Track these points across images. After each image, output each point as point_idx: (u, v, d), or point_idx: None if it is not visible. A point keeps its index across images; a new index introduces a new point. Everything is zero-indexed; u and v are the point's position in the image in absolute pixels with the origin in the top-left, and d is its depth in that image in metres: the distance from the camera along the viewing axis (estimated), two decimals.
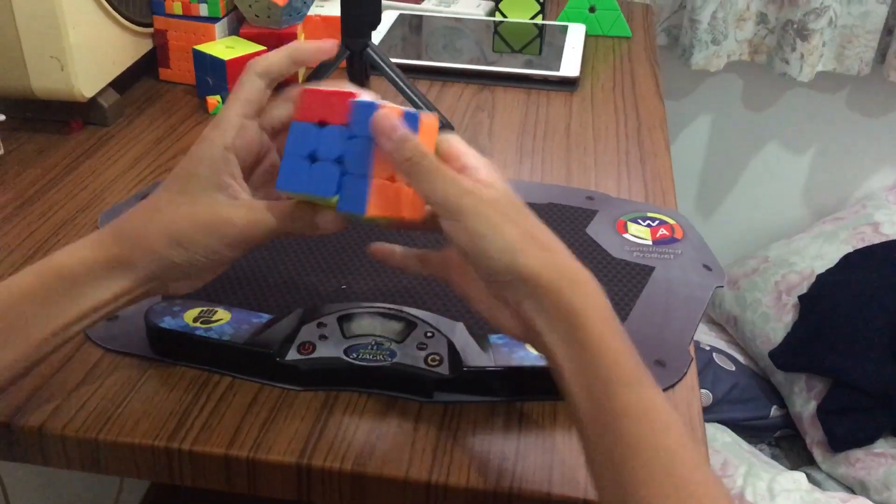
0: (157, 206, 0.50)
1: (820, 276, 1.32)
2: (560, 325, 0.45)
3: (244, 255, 0.51)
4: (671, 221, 0.74)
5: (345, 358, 0.55)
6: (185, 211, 0.49)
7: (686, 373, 0.58)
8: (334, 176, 0.48)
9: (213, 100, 0.90)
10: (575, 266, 0.47)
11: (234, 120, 0.51)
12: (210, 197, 0.49)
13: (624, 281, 0.66)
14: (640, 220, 0.74)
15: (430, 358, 0.55)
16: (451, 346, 0.55)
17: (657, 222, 0.74)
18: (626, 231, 0.73)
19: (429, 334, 0.56)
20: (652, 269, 0.68)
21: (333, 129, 0.49)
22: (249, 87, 0.52)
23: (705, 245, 0.72)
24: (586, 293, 0.46)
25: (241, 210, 0.49)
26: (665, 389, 0.56)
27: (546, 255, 0.47)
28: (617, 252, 0.70)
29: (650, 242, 0.71)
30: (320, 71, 0.88)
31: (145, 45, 0.95)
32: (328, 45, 0.53)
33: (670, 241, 0.72)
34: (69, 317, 0.48)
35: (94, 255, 0.49)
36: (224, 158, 0.50)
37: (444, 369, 0.54)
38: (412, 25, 1.14)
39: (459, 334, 0.56)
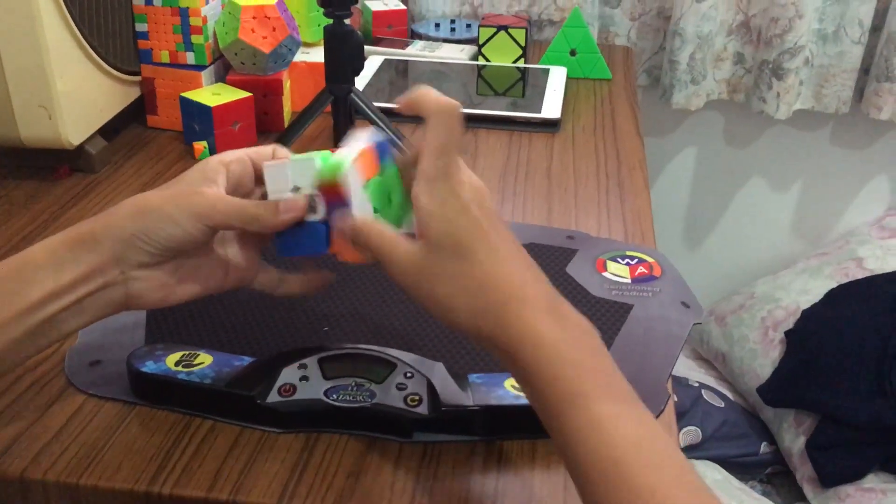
0: (138, 196, 0.52)
1: (805, 312, 1.33)
2: (503, 361, 0.47)
3: (206, 237, 0.51)
4: (650, 259, 0.75)
5: (325, 399, 0.55)
6: (159, 192, 0.52)
7: (664, 410, 0.58)
8: (322, 234, 0.52)
9: (200, 145, 0.92)
10: (504, 297, 0.47)
11: (237, 152, 0.55)
12: (185, 185, 0.52)
13: (603, 319, 0.67)
14: (619, 259, 0.75)
15: (409, 398, 0.56)
16: (431, 386, 0.56)
17: (636, 260, 0.75)
18: (606, 270, 0.74)
19: (408, 374, 0.57)
20: (630, 306, 0.69)
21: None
22: (261, 148, 0.57)
23: (683, 282, 0.73)
24: (516, 327, 0.46)
25: (213, 189, 0.52)
26: None
27: (473, 302, 0.47)
28: (596, 291, 0.71)
29: (629, 281, 0.72)
30: (305, 116, 0.90)
31: (133, 93, 0.97)
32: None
33: (649, 278, 0.73)
34: (26, 301, 0.48)
35: (54, 241, 0.50)
36: (215, 168, 0.53)
37: (423, 409, 0.55)
38: (398, 70, 1.16)
39: (438, 374, 0.57)
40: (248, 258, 0.56)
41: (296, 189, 0.53)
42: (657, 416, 0.58)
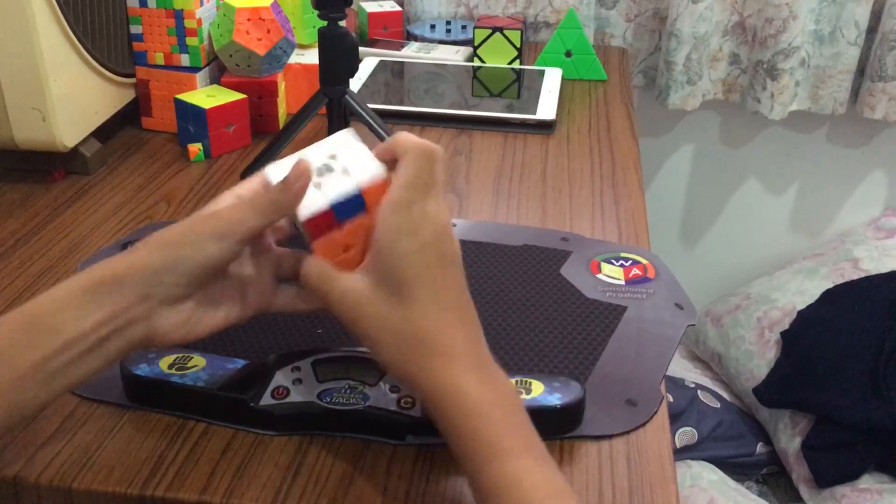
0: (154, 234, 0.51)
1: (801, 312, 1.33)
2: (426, 407, 0.49)
3: (233, 255, 0.50)
4: (644, 261, 0.75)
5: (318, 402, 0.55)
6: (173, 226, 0.50)
7: (657, 412, 0.58)
8: None
9: (195, 147, 0.92)
10: (431, 351, 0.48)
11: (250, 184, 0.53)
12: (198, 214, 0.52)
13: (596, 321, 0.67)
14: (613, 261, 0.75)
15: (402, 401, 0.56)
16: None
17: (630, 262, 0.75)
18: (600, 271, 0.74)
19: None
20: (624, 308, 0.69)
21: None
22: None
23: (677, 284, 0.73)
24: (440, 381, 0.47)
25: (222, 204, 0.52)
26: (636, 428, 0.57)
27: (401, 347, 0.48)
28: (590, 292, 0.71)
29: (623, 282, 0.72)
30: (300, 118, 0.90)
31: (128, 95, 0.97)
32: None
33: (643, 280, 0.73)
34: (47, 350, 0.46)
35: (73, 285, 0.47)
36: (226, 200, 0.52)
37: (416, 411, 0.55)
38: (394, 72, 1.16)
39: None
40: (265, 282, 0.55)
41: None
42: (650, 419, 0.58)
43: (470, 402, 0.46)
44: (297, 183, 0.51)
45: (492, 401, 0.47)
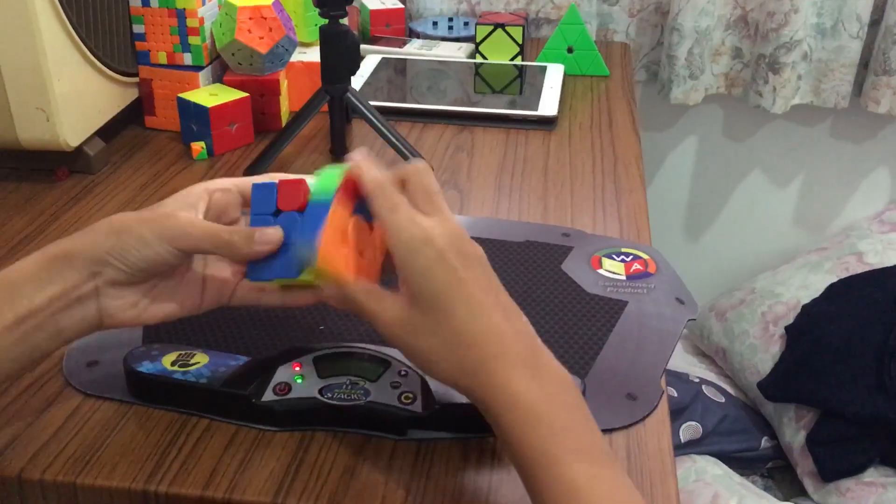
0: (115, 216, 0.53)
1: (805, 307, 1.33)
2: (486, 416, 0.48)
3: (178, 259, 0.52)
4: (645, 256, 0.76)
5: (320, 398, 0.56)
6: (136, 214, 0.52)
7: (657, 406, 0.59)
8: (294, 261, 0.52)
9: (198, 146, 0.92)
10: (482, 355, 0.47)
11: (223, 181, 0.55)
12: (166, 208, 0.53)
13: (597, 316, 0.68)
14: (614, 256, 0.76)
15: (403, 396, 0.56)
16: (425, 384, 0.56)
17: (631, 257, 0.75)
18: (601, 267, 0.74)
19: (402, 373, 0.57)
20: (625, 303, 0.69)
21: (288, 216, 0.53)
22: (244, 184, 0.57)
23: (678, 278, 0.73)
24: (492, 385, 0.46)
25: (187, 213, 0.53)
26: (635, 422, 0.57)
27: (452, 358, 0.47)
28: (591, 287, 0.71)
29: (624, 277, 0.73)
30: (302, 116, 0.90)
31: (131, 94, 0.97)
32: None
33: (644, 275, 0.73)
34: (7, 318, 0.49)
35: (34, 259, 0.51)
36: (199, 196, 0.54)
37: (417, 407, 0.55)
38: (396, 69, 1.16)
39: None
40: (226, 277, 0.57)
41: (277, 212, 0.53)
42: (650, 413, 0.58)
43: (522, 405, 0.45)
44: (263, 246, 0.52)
45: (544, 399, 0.46)
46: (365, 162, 0.52)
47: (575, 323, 0.67)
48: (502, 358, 0.47)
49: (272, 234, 0.52)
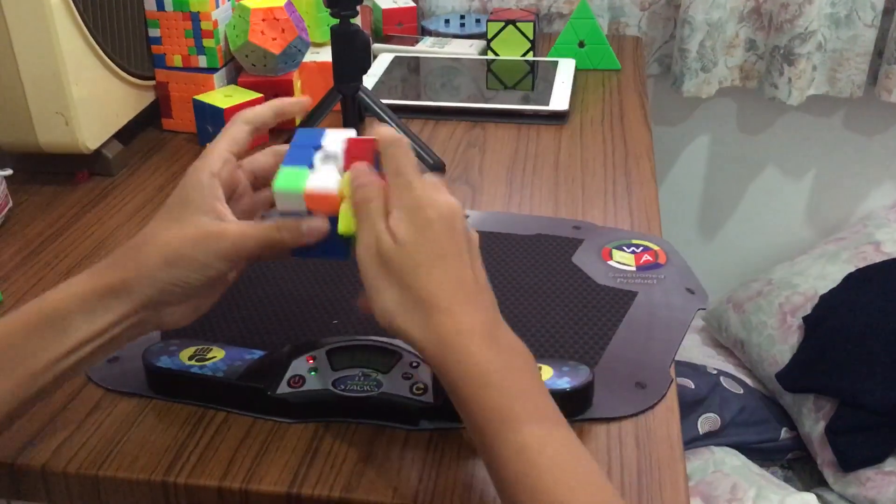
0: (151, 233, 0.53)
1: (823, 297, 1.33)
2: (443, 380, 0.49)
3: (237, 270, 0.53)
4: (655, 247, 0.76)
5: (333, 390, 0.57)
6: (177, 233, 0.52)
7: (665, 394, 0.59)
8: (341, 244, 0.54)
9: None
10: (454, 324, 0.48)
11: (220, 152, 0.55)
12: (199, 219, 0.53)
13: (608, 307, 0.68)
14: (624, 248, 0.76)
15: (415, 387, 0.57)
16: (435, 375, 0.57)
17: (641, 248, 0.76)
18: (611, 258, 0.75)
19: (414, 364, 0.58)
20: (635, 294, 0.70)
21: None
22: (235, 130, 0.57)
23: (689, 269, 0.74)
24: (458, 354, 0.47)
25: (231, 224, 0.53)
26: (645, 410, 0.58)
27: (420, 317, 0.48)
28: (601, 279, 0.72)
29: (634, 268, 0.73)
30: (315, 114, 0.91)
31: (148, 97, 0.99)
32: (305, 101, 0.60)
33: (654, 266, 0.74)
34: (60, 350, 0.49)
35: (84, 288, 0.51)
36: (211, 184, 0.54)
37: (428, 397, 0.56)
38: (409, 67, 1.17)
39: None
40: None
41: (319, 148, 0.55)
42: (659, 400, 0.59)
43: (478, 370, 0.47)
44: (311, 238, 0.53)
45: (498, 365, 0.47)
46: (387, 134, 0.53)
47: (585, 314, 0.67)
48: (454, 317, 0.48)
49: (319, 226, 0.53)
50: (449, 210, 0.50)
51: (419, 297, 0.49)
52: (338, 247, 0.54)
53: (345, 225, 0.53)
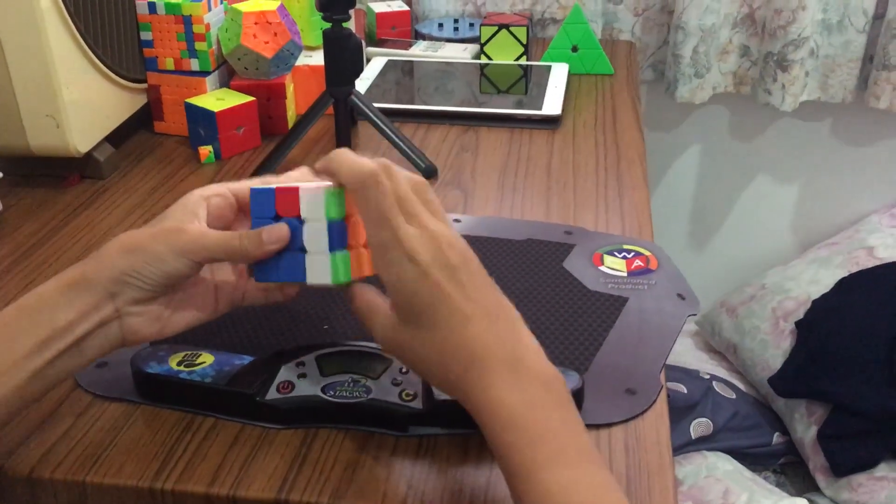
0: (124, 234, 0.54)
1: (815, 302, 1.33)
2: (476, 423, 0.48)
3: (193, 270, 0.53)
4: (646, 253, 0.76)
5: (322, 396, 0.57)
6: (141, 231, 0.54)
7: (655, 400, 0.59)
8: (301, 263, 0.54)
9: (205, 150, 0.94)
10: (465, 364, 0.48)
11: (217, 186, 0.57)
12: (166, 222, 0.54)
13: (598, 312, 0.68)
14: (615, 253, 0.76)
15: (404, 393, 0.57)
16: (425, 382, 0.57)
17: (632, 254, 0.76)
18: (602, 263, 0.75)
19: (403, 370, 0.58)
20: (626, 299, 0.70)
21: (289, 222, 0.54)
22: (243, 182, 0.58)
23: (680, 274, 0.74)
24: (475, 394, 0.48)
25: (194, 224, 0.54)
26: (634, 417, 0.58)
27: (440, 369, 0.49)
28: (592, 284, 0.72)
29: (625, 274, 0.73)
30: (307, 119, 0.91)
31: (140, 100, 0.99)
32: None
33: (645, 271, 0.74)
34: (28, 345, 0.50)
35: (48, 287, 0.52)
36: (196, 203, 0.55)
37: (417, 404, 0.56)
38: (402, 70, 1.17)
39: None
40: (235, 280, 0.58)
41: (277, 217, 0.54)
42: (649, 407, 0.59)
43: (504, 413, 0.46)
44: (273, 245, 0.53)
45: (525, 404, 0.46)
46: (348, 166, 0.51)
47: (576, 320, 0.67)
48: (482, 366, 0.48)
49: (279, 230, 0.53)
50: (446, 244, 0.50)
51: (438, 344, 0.49)
52: (297, 268, 0.54)
53: (344, 273, 0.53)
